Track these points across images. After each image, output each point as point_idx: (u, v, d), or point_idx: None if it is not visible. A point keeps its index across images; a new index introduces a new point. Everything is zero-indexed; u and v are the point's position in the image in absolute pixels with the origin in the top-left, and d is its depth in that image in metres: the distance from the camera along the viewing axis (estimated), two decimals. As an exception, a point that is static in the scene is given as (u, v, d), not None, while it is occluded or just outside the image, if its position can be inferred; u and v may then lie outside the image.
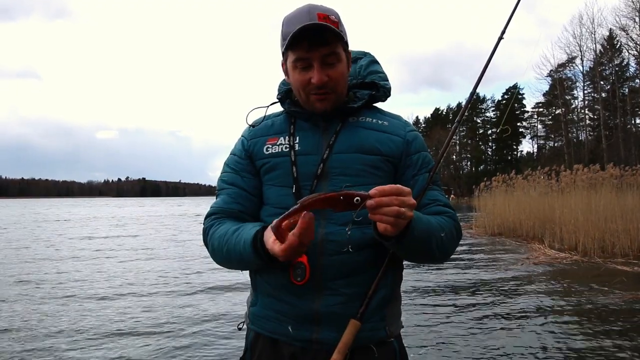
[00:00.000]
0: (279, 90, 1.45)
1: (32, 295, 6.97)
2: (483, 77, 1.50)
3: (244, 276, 1.40)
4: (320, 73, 1.25)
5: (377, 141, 1.32)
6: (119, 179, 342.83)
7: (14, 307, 6.19)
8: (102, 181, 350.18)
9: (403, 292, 1.43)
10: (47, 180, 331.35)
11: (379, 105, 1.45)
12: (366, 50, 1.53)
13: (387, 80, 1.44)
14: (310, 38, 1.22)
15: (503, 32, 1.54)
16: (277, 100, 1.44)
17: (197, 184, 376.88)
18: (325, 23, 1.21)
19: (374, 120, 1.37)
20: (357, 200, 1.01)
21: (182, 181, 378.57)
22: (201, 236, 1.38)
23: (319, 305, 1.23)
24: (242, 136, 1.44)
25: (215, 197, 1.43)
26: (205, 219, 1.38)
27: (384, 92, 1.42)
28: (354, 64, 1.46)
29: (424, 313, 5.64)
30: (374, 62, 1.49)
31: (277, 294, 1.28)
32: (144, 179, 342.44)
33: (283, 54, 1.33)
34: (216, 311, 5.91)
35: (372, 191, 1.03)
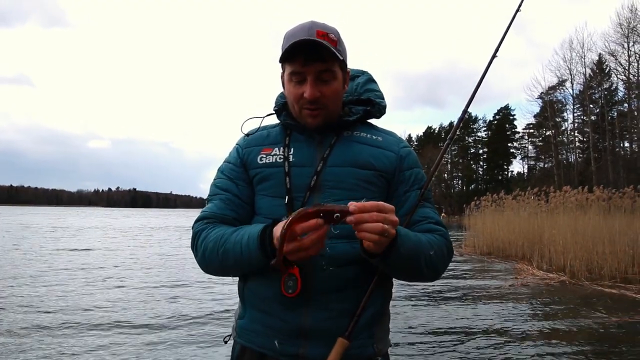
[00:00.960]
0: (276, 102, 1.46)
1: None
2: (475, 97, 1.53)
3: (231, 289, 1.38)
4: (313, 88, 1.26)
5: (371, 156, 1.33)
6: (110, 189, 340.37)
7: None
8: (93, 190, 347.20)
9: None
10: (36, 188, 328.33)
11: (373, 122, 1.47)
12: (364, 69, 1.55)
13: (383, 99, 1.46)
14: (307, 53, 1.24)
15: (496, 50, 1.56)
16: (274, 112, 1.45)
17: (189, 195, 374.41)
18: (321, 40, 1.23)
19: (368, 136, 1.38)
20: (337, 216, 1.05)
21: (174, 192, 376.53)
22: (183, 248, 1.36)
23: (307, 319, 1.22)
24: (237, 144, 1.45)
25: (206, 203, 1.41)
26: (196, 223, 1.35)
27: (379, 109, 1.44)
28: (351, 81, 1.47)
29: (409, 331, 5.62)
30: (371, 80, 1.50)
31: (266, 307, 1.26)
32: (134, 189, 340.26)
33: (282, 66, 1.35)
34: (203, 323, 5.85)
35: (352, 207, 1.04)
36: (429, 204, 1.38)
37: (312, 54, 1.24)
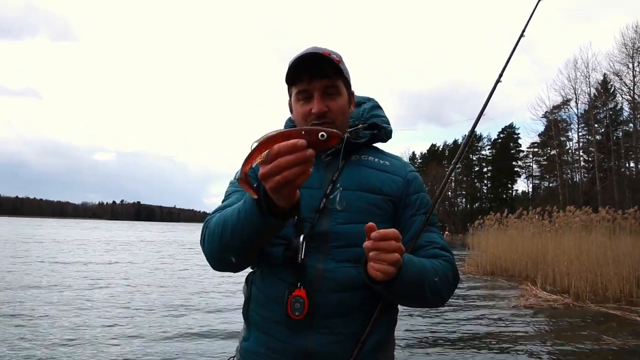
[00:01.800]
0: (285, 126, 1.50)
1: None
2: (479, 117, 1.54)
3: (234, 305, 1.32)
4: (320, 103, 1.29)
5: (379, 180, 1.34)
6: (114, 202, 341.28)
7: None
8: (97, 203, 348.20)
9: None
10: (41, 199, 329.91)
11: (379, 146, 1.50)
12: (369, 95, 1.59)
13: (389, 124, 1.49)
14: (311, 71, 1.28)
15: (500, 76, 1.59)
16: None
17: (192, 210, 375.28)
18: (323, 54, 1.27)
19: (376, 160, 1.40)
20: (323, 135, 0.91)
21: (177, 206, 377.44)
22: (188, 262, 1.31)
23: (311, 343, 1.20)
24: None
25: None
26: (209, 216, 1.33)
27: (386, 133, 1.46)
28: (357, 107, 1.50)
29: (410, 354, 5.52)
30: (377, 107, 1.53)
31: (271, 329, 1.25)
32: (138, 202, 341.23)
33: (288, 90, 1.38)
34: (207, 343, 5.78)
35: (374, 234, 1.05)
36: (434, 228, 1.38)
37: (316, 71, 1.28)
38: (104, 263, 15.63)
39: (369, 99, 1.56)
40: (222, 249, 1.19)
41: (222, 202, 1.38)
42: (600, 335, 6.41)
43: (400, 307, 1.37)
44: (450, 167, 1.55)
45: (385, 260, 1.05)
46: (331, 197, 1.29)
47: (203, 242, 1.26)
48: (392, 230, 1.07)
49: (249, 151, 0.94)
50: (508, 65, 1.58)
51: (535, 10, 1.66)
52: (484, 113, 1.54)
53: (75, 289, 9.62)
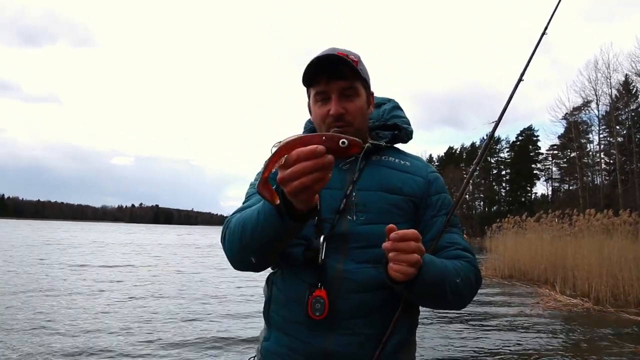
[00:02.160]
0: (304, 128, 1.49)
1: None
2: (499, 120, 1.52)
3: (257, 309, 1.33)
4: (337, 105, 1.29)
5: (399, 181, 1.34)
6: (133, 205, 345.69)
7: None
8: (116, 206, 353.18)
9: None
10: (62, 203, 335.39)
11: (399, 146, 1.49)
12: (389, 97, 1.58)
13: (410, 125, 1.48)
14: (329, 72, 1.28)
15: (522, 75, 1.56)
16: None
17: (209, 213, 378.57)
18: (341, 55, 1.27)
19: (397, 160, 1.39)
20: (344, 142, 0.90)
21: (195, 210, 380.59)
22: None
23: (331, 343, 1.20)
24: (265, 162, 1.45)
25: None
26: (229, 217, 1.34)
27: (406, 134, 1.45)
28: (377, 109, 1.51)
29: (426, 353, 5.47)
30: (397, 107, 1.53)
31: (291, 329, 1.25)
32: (157, 205, 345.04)
33: (307, 92, 1.39)
34: (226, 345, 5.85)
35: (393, 235, 1.05)
36: (456, 229, 1.37)
37: (334, 72, 1.28)
38: (123, 265, 15.82)
39: (389, 100, 1.55)
40: (241, 250, 1.20)
41: (243, 203, 1.38)
42: (621, 341, 6.28)
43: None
44: (472, 167, 1.54)
45: (404, 261, 1.05)
46: (351, 197, 1.28)
47: (224, 241, 1.27)
48: (412, 231, 1.07)
49: (269, 156, 0.93)
50: (529, 65, 1.55)
51: (558, 8, 1.63)
52: (504, 114, 1.51)
53: (91, 293, 9.73)
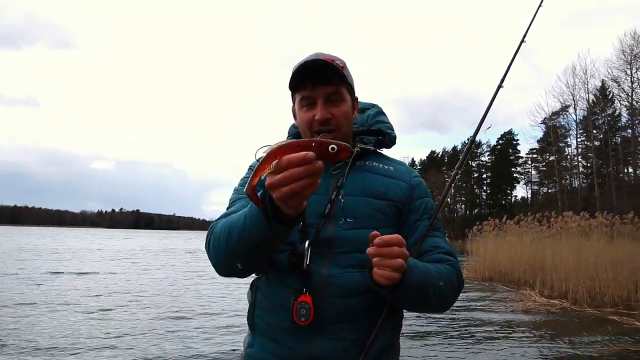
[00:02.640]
0: (289, 132, 1.50)
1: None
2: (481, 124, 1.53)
3: (241, 318, 1.31)
4: (323, 110, 1.30)
5: (384, 186, 1.34)
6: (113, 210, 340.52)
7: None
8: (96, 211, 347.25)
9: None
10: (39, 208, 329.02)
11: (383, 151, 1.50)
12: (373, 102, 1.59)
13: (393, 130, 1.50)
14: (315, 77, 1.29)
15: (502, 81, 1.58)
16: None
17: (191, 217, 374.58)
18: (327, 60, 1.28)
19: (381, 165, 1.40)
20: (333, 148, 0.90)
21: (177, 214, 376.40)
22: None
23: (316, 348, 1.21)
24: (250, 167, 1.46)
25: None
26: (213, 222, 1.33)
27: (390, 139, 1.48)
28: (361, 114, 1.52)
29: (407, 356, 5.54)
30: (381, 113, 1.54)
31: (276, 335, 1.25)
32: (138, 210, 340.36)
33: (292, 97, 1.39)
34: (210, 351, 5.73)
35: (377, 240, 1.05)
36: (439, 233, 1.38)
37: (320, 78, 1.29)
38: (95, 273, 14.99)
39: (373, 105, 1.57)
40: (227, 255, 1.18)
41: (227, 209, 1.37)
42: (597, 340, 6.43)
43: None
44: (454, 171, 1.54)
45: (388, 266, 1.06)
46: (336, 203, 1.29)
47: (208, 247, 1.25)
48: (396, 236, 1.07)
49: (258, 161, 0.92)
50: (509, 71, 1.58)
51: (536, 16, 1.65)
52: (485, 119, 1.54)
53: (57, 305, 8.71)
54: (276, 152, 0.90)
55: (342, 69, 1.31)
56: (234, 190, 1.44)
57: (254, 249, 1.12)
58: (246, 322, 1.38)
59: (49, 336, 6.19)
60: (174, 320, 7.56)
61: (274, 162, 0.90)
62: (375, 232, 1.07)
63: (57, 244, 34.42)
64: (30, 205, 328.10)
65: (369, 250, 1.07)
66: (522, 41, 1.64)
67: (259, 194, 0.99)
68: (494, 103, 1.54)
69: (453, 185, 1.57)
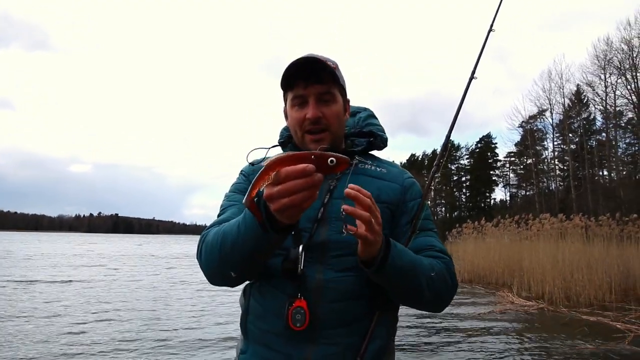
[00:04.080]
0: (281, 135, 1.49)
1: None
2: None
3: (232, 325, 1.27)
4: (314, 108, 1.29)
5: (376, 188, 1.32)
6: (91, 214, 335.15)
7: None
8: (74, 216, 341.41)
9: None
10: (15, 212, 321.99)
11: (375, 153, 1.50)
12: (365, 106, 1.59)
13: (384, 132, 1.49)
14: (307, 76, 1.29)
15: (473, 73, 1.60)
16: (279, 144, 1.47)
17: (171, 221, 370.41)
18: (319, 59, 1.27)
19: (373, 167, 1.40)
20: (332, 161, 0.91)
21: (156, 218, 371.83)
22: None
23: (312, 354, 1.19)
24: (242, 171, 1.45)
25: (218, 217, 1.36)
26: (205, 230, 1.30)
27: (382, 141, 1.47)
28: (353, 117, 1.52)
29: None
30: (372, 116, 1.55)
31: (270, 341, 1.23)
32: (116, 214, 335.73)
33: (284, 97, 1.39)
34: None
35: (347, 190, 1.02)
36: (432, 232, 1.38)
37: (312, 77, 1.29)
38: (67, 282, 14.16)
39: (365, 109, 1.57)
40: (221, 264, 1.16)
41: (218, 216, 1.36)
42: (572, 340, 6.53)
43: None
44: (433, 168, 1.54)
45: (359, 216, 1.03)
46: (329, 206, 1.28)
47: (200, 255, 1.23)
48: (367, 193, 1.05)
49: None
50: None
51: (501, 5, 1.67)
52: (459, 112, 1.55)
53: (26, 317, 8.13)
54: (275, 164, 0.90)
55: (334, 69, 1.31)
56: (225, 196, 1.42)
57: (248, 257, 1.11)
58: (239, 328, 1.36)
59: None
60: (158, 331, 7.05)
61: (273, 174, 0.90)
62: (351, 185, 1.05)
63: (32, 250, 33.61)
64: (5, 210, 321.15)
65: (347, 191, 1.03)
66: (490, 30, 1.66)
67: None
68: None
69: (433, 187, 1.56)
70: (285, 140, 1.45)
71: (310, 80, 1.29)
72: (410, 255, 1.19)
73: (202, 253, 1.23)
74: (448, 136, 1.58)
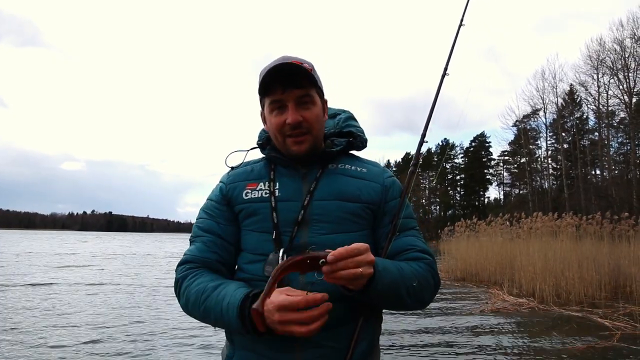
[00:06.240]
0: (259, 137, 1.48)
1: None
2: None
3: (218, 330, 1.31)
4: (294, 113, 1.29)
5: (357, 188, 1.33)
6: (85, 212, 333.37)
7: None
8: (67, 213, 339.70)
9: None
10: (7, 210, 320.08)
11: (355, 153, 1.50)
12: (344, 108, 1.60)
13: (364, 134, 1.49)
14: (284, 81, 1.28)
15: (445, 69, 1.63)
16: (257, 146, 1.46)
17: (166, 219, 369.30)
18: (295, 63, 1.27)
19: (353, 168, 1.39)
20: (322, 262, 1.03)
21: (150, 216, 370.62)
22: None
23: (298, 358, 1.19)
24: (220, 182, 1.44)
25: (189, 244, 1.39)
26: (178, 267, 1.32)
27: (361, 142, 1.47)
28: (332, 119, 1.52)
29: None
30: (352, 118, 1.54)
31: (256, 347, 1.23)
32: (110, 212, 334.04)
33: (260, 101, 1.38)
34: None
35: (329, 257, 1.03)
36: (415, 232, 1.38)
37: (289, 81, 1.28)
38: (51, 284, 14.20)
39: (344, 111, 1.57)
40: (205, 322, 1.27)
41: (194, 226, 1.39)
42: (562, 337, 6.58)
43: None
44: (410, 168, 1.57)
45: (342, 277, 1.04)
46: (309, 208, 1.28)
47: (179, 299, 1.29)
48: (350, 248, 1.05)
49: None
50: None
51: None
52: (434, 108, 1.60)
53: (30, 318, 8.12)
54: (282, 272, 1.05)
55: (310, 72, 1.30)
56: (201, 210, 1.42)
57: (228, 330, 1.28)
58: (223, 335, 1.37)
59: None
60: (143, 335, 6.83)
61: (279, 278, 1.05)
62: (328, 250, 1.05)
63: (20, 248, 33.26)
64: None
65: (324, 268, 1.04)
66: (461, 24, 1.70)
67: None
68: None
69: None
70: (264, 142, 1.44)
71: (288, 85, 1.28)
72: (392, 271, 1.18)
73: (182, 302, 1.28)
74: (423, 135, 1.60)
